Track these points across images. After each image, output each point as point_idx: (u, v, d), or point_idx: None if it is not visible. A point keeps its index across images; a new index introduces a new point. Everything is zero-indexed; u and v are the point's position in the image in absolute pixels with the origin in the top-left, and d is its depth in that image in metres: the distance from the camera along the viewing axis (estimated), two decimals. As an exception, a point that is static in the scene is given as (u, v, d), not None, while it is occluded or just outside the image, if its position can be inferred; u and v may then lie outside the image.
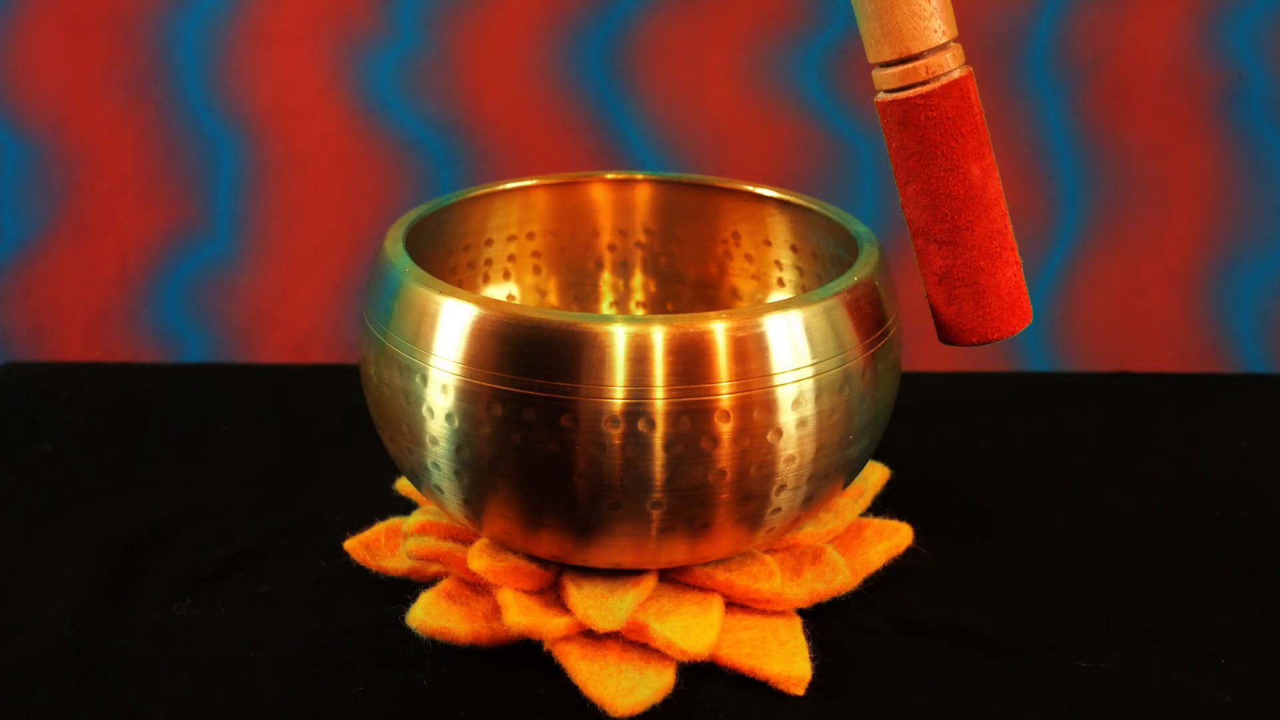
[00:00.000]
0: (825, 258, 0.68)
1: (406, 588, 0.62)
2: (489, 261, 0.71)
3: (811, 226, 0.68)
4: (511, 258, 0.72)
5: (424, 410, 0.55)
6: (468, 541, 0.62)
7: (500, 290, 0.72)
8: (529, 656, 0.58)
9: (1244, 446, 0.78)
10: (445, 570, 0.61)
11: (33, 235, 0.91)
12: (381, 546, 0.64)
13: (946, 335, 0.58)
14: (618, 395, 0.52)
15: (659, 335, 0.52)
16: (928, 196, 0.56)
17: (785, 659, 0.57)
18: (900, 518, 0.67)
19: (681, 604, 0.59)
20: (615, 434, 0.53)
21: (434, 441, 0.55)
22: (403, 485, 0.70)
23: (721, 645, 0.58)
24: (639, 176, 0.73)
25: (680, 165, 0.90)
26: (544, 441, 0.53)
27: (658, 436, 0.53)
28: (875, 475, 0.70)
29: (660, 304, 0.74)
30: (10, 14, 0.88)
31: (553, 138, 0.90)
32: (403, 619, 0.59)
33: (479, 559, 0.59)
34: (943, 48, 0.54)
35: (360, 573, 0.63)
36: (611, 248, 0.74)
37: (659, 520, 0.55)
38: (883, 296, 0.58)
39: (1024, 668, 0.58)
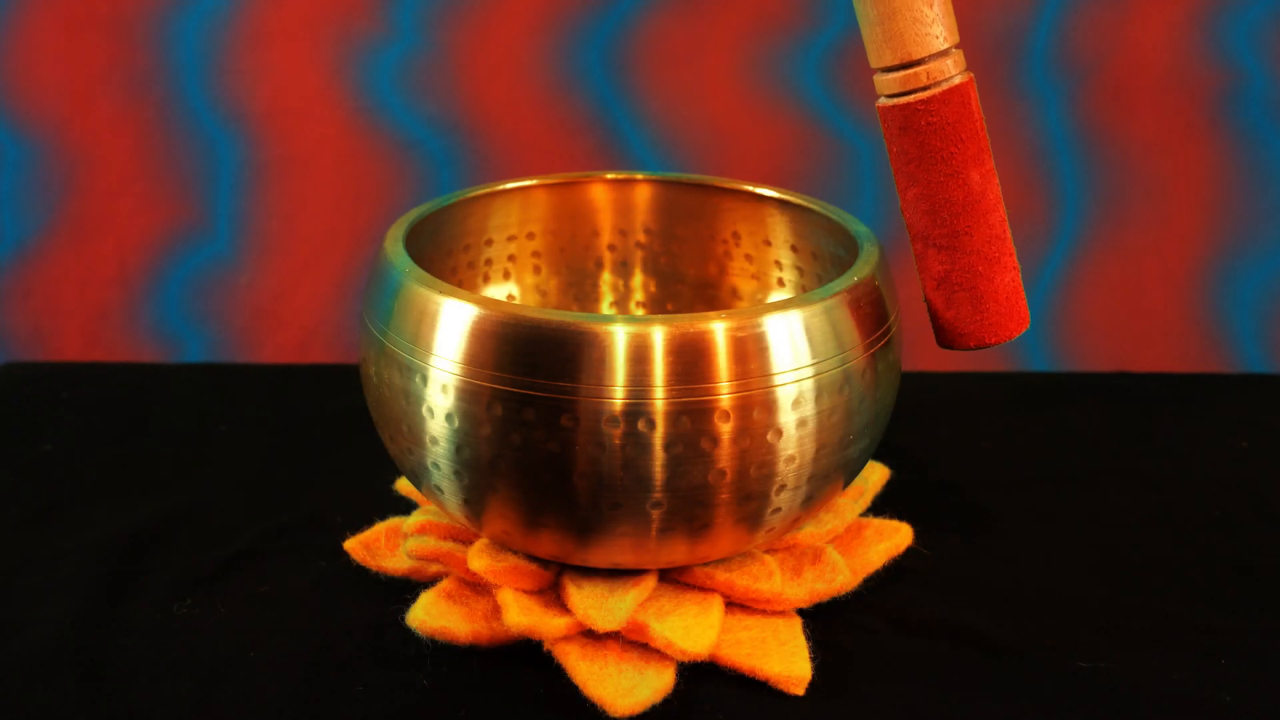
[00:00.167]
0: (825, 258, 0.68)
1: (406, 588, 0.62)
2: (489, 261, 0.71)
3: (811, 226, 0.68)
4: (511, 258, 0.72)
5: (424, 410, 0.55)
6: (468, 541, 0.62)
7: (500, 290, 0.72)
8: (529, 656, 0.58)
9: (1244, 446, 0.78)
10: (445, 570, 0.61)
11: (33, 235, 0.91)
12: (381, 546, 0.64)
13: (945, 339, 0.58)
14: (618, 395, 0.52)
15: (659, 335, 0.52)
16: (927, 201, 0.56)
17: (785, 659, 0.57)
18: (900, 518, 0.67)
19: (681, 604, 0.59)
20: (615, 434, 0.53)
21: (434, 441, 0.55)
22: (403, 485, 0.70)
23: (721, 645, 0.57)
24: (639, 176, 0.73)
25: (680, 165, 0.90)
26: (544, 441, 0.53)
27: (658, 436, 0.53)
28: (875, 475, 0.70)
29: (660, 304, 0.74)
30: (10, 14, 0.88)
31: (553, 138, 0.90)
32: (403, 619, 0.59)
33: (479, 559, 0.59)
34: (944, 54, 0.54)
35: (360, 573, 0.63)
36: (611, 248, 0.74)
37: (659, 520, 0.55)
38: (883, 296, 0.58)
39: (1024, 668, 0.58)
